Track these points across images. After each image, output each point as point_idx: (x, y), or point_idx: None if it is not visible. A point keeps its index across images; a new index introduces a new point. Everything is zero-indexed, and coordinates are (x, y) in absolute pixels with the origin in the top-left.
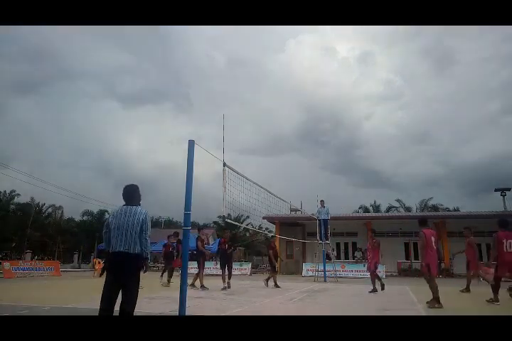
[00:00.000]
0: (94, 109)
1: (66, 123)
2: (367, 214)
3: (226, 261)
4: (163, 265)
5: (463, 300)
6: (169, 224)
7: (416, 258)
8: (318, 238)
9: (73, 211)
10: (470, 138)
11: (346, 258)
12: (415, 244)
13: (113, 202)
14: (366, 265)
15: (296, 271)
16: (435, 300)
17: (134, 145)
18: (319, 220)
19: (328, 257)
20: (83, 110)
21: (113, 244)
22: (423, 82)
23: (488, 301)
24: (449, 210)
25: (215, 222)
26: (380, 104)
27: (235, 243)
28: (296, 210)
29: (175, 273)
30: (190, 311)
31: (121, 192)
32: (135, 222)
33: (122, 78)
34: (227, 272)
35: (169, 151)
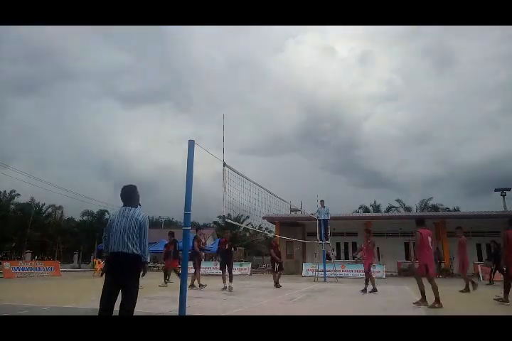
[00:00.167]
0: (94, 109)
1: (66, 123)
2: (367, 214)
3: (226, 262)
4: (163, 265)
5: (463, 300)
6: (169, 224)
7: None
8: (318, 238)
9: (73, 211)
10: (470, 138)
11: (346, 258)
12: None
13: (113, 202)
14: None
15: (296, 271)
16: (436, 300)
17: (134, 145)
18: (319, 220)
19: (328, 257)
20: (83, 110)
21: (112, 244)
22: (423, 82)
23: (497, 300)
24: (449, 210)
25: (215, 222)
26: (380, 104)
27: (235, 243)
28: (296, 210)
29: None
30: (190, 311)
31: (120, 192)
32: (132, 223)
33: (122, 78)
34: (227, 272)
35: (169, 151)
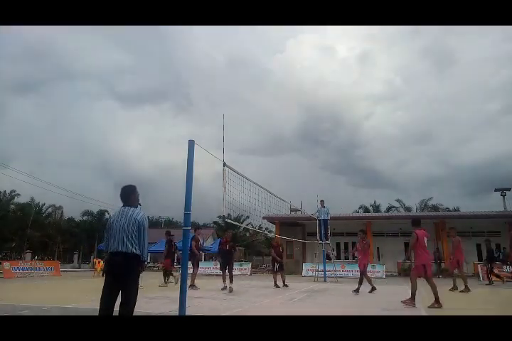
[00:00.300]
0: (94, 109)
1: (66, 123)
2: (367, 214)
3: (227, 262)
4: (163, 265)
5: (463, 300)
6: (169, 224)
7: None
8: (318, 238)
9: (73, 211)
10: (470, 138)
11: (346, 258)
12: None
13: (113, 202)
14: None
15: (296, 271)
16: (436, 301)
17: (134, 145)
18: (319, 220)
19: (328, 257)
20: (83, 110)
21: (111, 244)
22: (423, 82)
23: None
24: (449, 210)
25: (215, 222)
26: (379, 103)
27: (235, 243)
28: (296, 210)
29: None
30: (190, 311)
31: (119, 193)
32: (131, 222)
33: (122, 78)
34: (227, 273)
35: (169, 151)
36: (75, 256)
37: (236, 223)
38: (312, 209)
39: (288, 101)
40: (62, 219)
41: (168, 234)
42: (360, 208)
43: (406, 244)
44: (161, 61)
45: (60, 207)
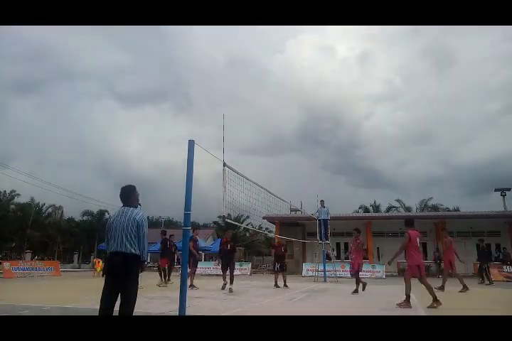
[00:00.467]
0: (94, 109)
1: (66, 123)
2: (367, 214)
3: (228, 262)
4: (159, 264)
5: (462, 300)
6: (169, 224)
7: (423, 257)
8: (318, 238)
9: (73, 211)
10: (470, 138)
11: (346, 258)
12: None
13: (113, 202)
14: (350, 266)
15: (296, 271)
16: (434, 300)
17: (134, 145)
18: (319, 220)
19: (328, 257)
20: (83, 110)
21: (111, 244)
22: (423, 82)
23: None
24: (449, 210)
25: (215, 222)
26: (380, 103)
27: (235, 243)
28: (296, 210)
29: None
30: (190, 311)
31: (119, 193)
32: (130, 222)
33: (122, 78)
34: (228, 273)
35: (169, 151)
36: (75, 256)
37: (236, 223)
38: (312, 209)
39: (288, 101)
40: (62, 219)
41: (163, 233)
42: (360, 208)
43: None
44: (161, 61)
45: (60, 207)
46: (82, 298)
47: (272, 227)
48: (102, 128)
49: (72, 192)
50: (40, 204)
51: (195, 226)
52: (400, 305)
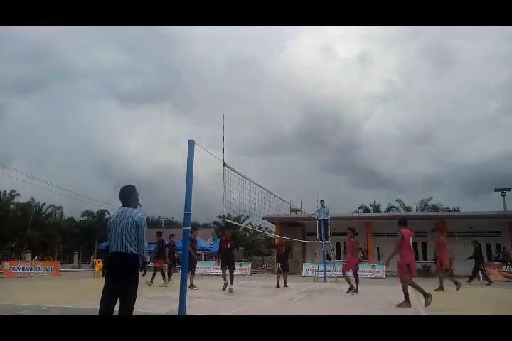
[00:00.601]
0: (94, 109)
1: (66, 123)
2: (367, 214)
3: (228, 261)
4: (166, 265)
5: (462, 300)
6: (169, 224)
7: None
8: (318, 238)
9: (73, 211)
10: (470, 138)
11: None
12: (415, 244)
13: (113, 202)
14: (342, 266)
15: (296, 271)
16: (424, 296)
17: (134, 145)
18: (319, 220)
19: (328, 257)
20: (83, 110)
21: (111, 245)
22: (423, 82)
23: None
24: (449, 210)
25: (215, 222)
26: (379, 103)
27: (236, 242)
28: (296, 210)
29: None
30: (190, 311)
31: (119, 193)
32: (129, 223)
33: (122, 78)
34: (228, 272)
35: (169, 151)
36: (75, 256)
37: (236, 223)
38: (312, 209)
39: (288, 101)
40: (62, 219)
41: (159, 234)
42: (360, 208)
43: None
44: (161, 61)
45: (60, 207)
46: (82, 298)
47: (272, 227)
48: (102, 128)
49: (72, 192)
50: (40, 204)
51: (195, 227)
52: (399, 306)
